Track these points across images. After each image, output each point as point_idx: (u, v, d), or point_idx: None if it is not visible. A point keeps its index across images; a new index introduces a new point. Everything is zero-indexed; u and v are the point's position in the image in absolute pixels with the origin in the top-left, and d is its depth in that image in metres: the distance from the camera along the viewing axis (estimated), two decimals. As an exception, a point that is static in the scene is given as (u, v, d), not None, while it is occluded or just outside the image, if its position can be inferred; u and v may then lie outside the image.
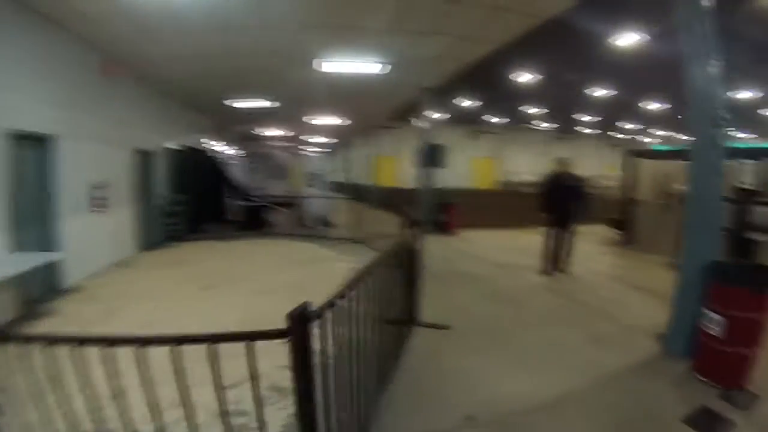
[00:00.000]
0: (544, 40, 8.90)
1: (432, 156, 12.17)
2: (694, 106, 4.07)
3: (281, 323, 1.80)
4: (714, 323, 3.67)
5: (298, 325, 1.82)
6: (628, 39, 10.33)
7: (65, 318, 5.15)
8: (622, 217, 10.55)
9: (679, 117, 22.86)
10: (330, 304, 2.22)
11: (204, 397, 2.02)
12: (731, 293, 3.61)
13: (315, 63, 8.32)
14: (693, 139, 4.12)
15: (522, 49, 9.25)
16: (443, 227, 11.88)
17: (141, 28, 6.34)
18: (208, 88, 10.53)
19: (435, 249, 8.27)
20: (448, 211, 12.23)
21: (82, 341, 1.92)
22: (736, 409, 3.30)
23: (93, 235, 7.16)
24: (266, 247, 9.43)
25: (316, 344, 1.98)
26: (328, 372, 2.23)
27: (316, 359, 1.99)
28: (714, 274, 3.78)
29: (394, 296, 3.96)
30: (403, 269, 4.37)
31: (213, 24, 6.34)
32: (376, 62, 8.53)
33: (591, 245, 10.57)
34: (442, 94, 12.43)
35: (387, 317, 3.56)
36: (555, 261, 7.29)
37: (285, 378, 2.09)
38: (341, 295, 2.39)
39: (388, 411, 3.21)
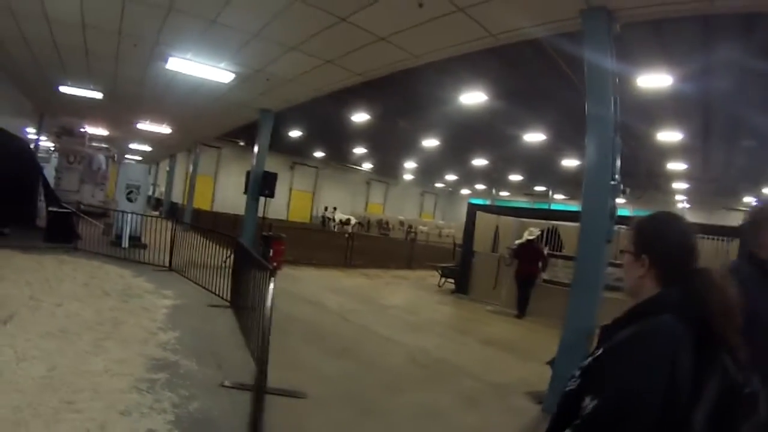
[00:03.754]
0: (381, 83, 9.20)
1: (263, 184, 11.45)
2: (590, 177, 4.42)
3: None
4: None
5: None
6: (469, 98, 11.50)
7: None
8: (457, 266, 11.33)
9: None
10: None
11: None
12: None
13: (166, 56, 8.15)
14: (587, 206, 4.44)
15: (359, 88, 9.47)
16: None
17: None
18: (43, 63, 9.93)
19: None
20: (273, 246, 11.44)
21: None
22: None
23: None
24: (75, 268, 8.19)
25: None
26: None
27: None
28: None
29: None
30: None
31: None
32: (227, 70, 8.50)
33: (423, 292, 11.05)
34: (276, 120, 12.05)
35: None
36: None
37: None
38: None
39: None
